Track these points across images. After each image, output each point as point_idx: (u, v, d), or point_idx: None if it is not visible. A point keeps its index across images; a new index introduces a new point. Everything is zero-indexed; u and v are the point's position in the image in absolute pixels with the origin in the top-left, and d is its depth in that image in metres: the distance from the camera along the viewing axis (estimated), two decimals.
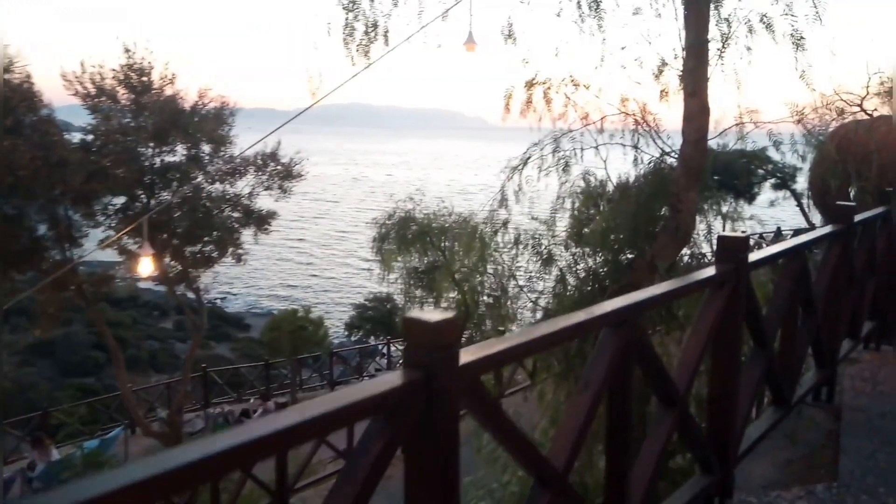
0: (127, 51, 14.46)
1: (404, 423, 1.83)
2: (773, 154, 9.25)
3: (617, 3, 6.14)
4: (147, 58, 14.65)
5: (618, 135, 6.41)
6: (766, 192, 24.19)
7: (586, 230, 6.58)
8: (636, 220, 6.21)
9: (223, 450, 1.42)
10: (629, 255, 6.49)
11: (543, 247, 6.77)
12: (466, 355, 1.98)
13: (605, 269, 6.55)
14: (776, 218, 29.08)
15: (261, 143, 14.65)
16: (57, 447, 15.46)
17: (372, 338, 29.70)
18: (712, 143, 6.22)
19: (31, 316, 18.48)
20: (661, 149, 6.32)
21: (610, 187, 6.64)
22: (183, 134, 14.55)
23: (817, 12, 5.31)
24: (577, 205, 6.70)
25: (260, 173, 15.67)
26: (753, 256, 3.60)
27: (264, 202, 16.22)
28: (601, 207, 6.67)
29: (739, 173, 17.48)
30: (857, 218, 5.12)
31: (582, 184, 6.60)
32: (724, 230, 7.34)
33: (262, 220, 15.96)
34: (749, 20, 5.73)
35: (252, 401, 19.16)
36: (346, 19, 5.85)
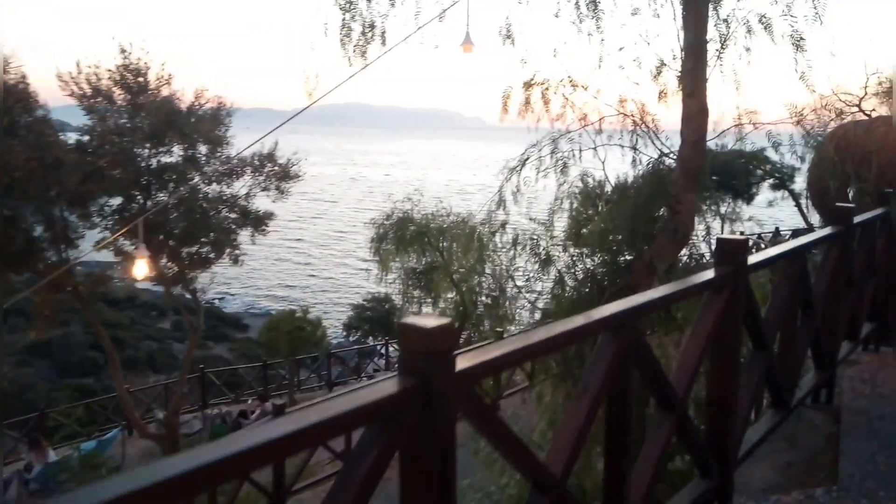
0: (123, 51, 14.41)
1: (400, 430, 1.80)
2: (771, 154, 9.23)
3: (615, 3, 6.12)
4: (143, 58, 14.62)
5: (616, 136, 6.39)
6: (765, 193, 24.19)
7: (584, 231, 6.56)
8: (635, 222, 6.18)
9: (216, 460, 1.39)
10: (627, 257, 6.46)
11: (541, 248, 6.75)
12: (463, 361, 1.96)
13: (604, 271, 6.52)
14: (774, 218, 29.13)
15: (258, 144, 14.61)
16: (54, 448, 15.42)
17: (370, 338, 29.67)
18: (711, 144, 6.20)
19: (28, 317, 18.44)
20: (660, 150, 6.30)
21: (608, 188, 6.62)
22: (179, 135, 14.48)
23: (817, 13, 5.29)
24: (575, 205, 6.67)
25: (257, 174, 15.62)
26: (752, 259, 3.58)
27: (262, 203, 16.17)
28: (599, 208, 6.64)
29: (738, 174, 17.47)
30: (857, 219, 5.10)
31: (580, 185, 6.57)
32: (722, 231, 7.32)
33: (259, 221, 15.90)
34: (748, 21, 5.72)
35: (250, 401, 19.12)
36: (343, 20, 5.83)
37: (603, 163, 6.50)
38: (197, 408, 19.44)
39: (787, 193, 22.67)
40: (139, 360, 31.18)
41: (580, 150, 6.36)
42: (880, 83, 13.37)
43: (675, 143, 6.03)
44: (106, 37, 14.94)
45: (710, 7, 5.59)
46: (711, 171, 8.40)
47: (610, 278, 6.48)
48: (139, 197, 14.67)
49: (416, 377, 1.82)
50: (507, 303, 12.95)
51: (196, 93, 15.28)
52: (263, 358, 22.71)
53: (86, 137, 14.38)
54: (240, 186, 15.56)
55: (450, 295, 16.71)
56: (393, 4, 5.85)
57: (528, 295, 7.82)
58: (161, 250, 14.91)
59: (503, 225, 6.98)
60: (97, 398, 21.01)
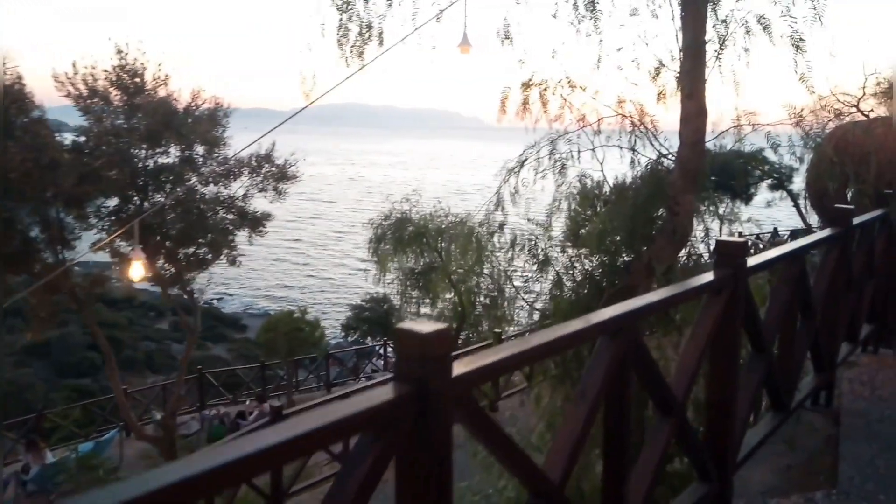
0: (119, 52, 14.36)
1: (396, 436, 1.78)
2: (769, 155, 9.23)
3: (613, 3, 6.10)
4: (140, 59, 14.55)
5: (614, 136, 6.37)
6: (763, 193, 24.20)
7: (583, 231, 6.54)
8: (633, 222, 6.16)
9: (209, 469, 1.37)
10: (626, 258, 6.44)
11: (540, 249, 6.73)
12: (459, 367, 1.94)
13: (602, 272, 6.50)
14: (772, 218, 29.15)
15: (256, 145, 14.57)
16: (52, 450, 15.37)
17: (369, 338, 29.65)
18: (709, 145, 6.18)
19: (26, 317, 18.39)
20: (659, 151, 6.28)
21: (607, 189, 6.60)
22: (176, 135, 14.42)
23: (816, 13, 5.27)
24: (573, 206, 6.65)
25: (254, 175, 15.57)
26: (752, 261, 3.56)
27: (259, 204, 16.13)
28: (598, 209, 6.63)
29: (736, 174, 17.48)
30: (856, 221, 5.08)
31: (578, 186, 6.55)
32: (720, 231, 7.30)
33: (256, 222, 15.84)
34: (746, 21, 5.69)
35: (248, 402, 19.07)
36: (341, 20, 5.81)
37: (601, 164, 6.48)
38: (195, 409, 19.40)
39: (785, 194, 22.68)
40: (137, 361, 31.16)
41: (578, 151, 6.34)
42: (878, 83, 13.36)
43: (674, 143, 6.01)
44: (105, 37, 14.87)
45: (709, 8, 5.57)
46: (710, 171, 8.39)
47: (608, 279, 6.46)
48: (136, 198, 14.61)
49: (412, 383, 1.79)
50: (506, 303, 12.94)
51: (193, 93, 15.24)
52: (261, 359, 22.68)
53: (82, 138, 14.32)
54: (237, 187, 15.51)
55: (448, 295, 16.71)
56: (390, 5, 5.83)
57: (526, 296, 7.81)
58: (158, 251, 14.85)
59: (501, 226, 6.96)
60: (95, 399, 20.99)
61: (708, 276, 3.27)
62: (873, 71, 13.05)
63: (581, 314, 6.03)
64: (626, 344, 2.61)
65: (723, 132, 6.39)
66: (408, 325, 1.83)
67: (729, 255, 3.36)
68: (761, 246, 23.25)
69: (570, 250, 6.72)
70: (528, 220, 6.91)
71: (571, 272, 6.68)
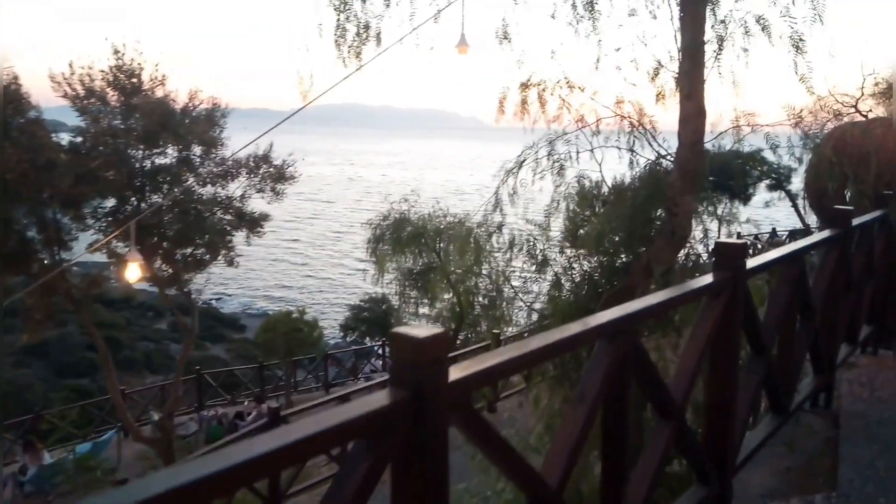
0: (116, 52, 14.29)
1: (392, 442, 1.76)
2: (768, 155, 9.22)
3: (612, 4, 6.08)
4: (137, 59, 14.49)
5: (613, 137, 6.35)
6: (761, 193, 24.20)
7: (581, 232, 6.52)
8: (632, 223, 6.14)
9: (197, 479, 1.34)
10: (623, 258, 6.42)
11: (538, 250, 6.70)
12: (456, 371, 1.92)
13: (601, 273, 6.48)
14: (771, 218, 29.16)
15: (253, 145, 14.52)
16: (49, 450, 15.35)
17: (367, 339, 29.63)
18: (708, 146, 6.15)
19: (24, 318, 18.34)
20: (657, 152, 6.25)
21: (605, 189, 6.58)
22: (173, 136, 14.35)
23: (816, 13, 5.24)
24: (571, 206, 6.63)
25: (252, 175, 15.51)
26: (751, 263, 3.54)
27: (257, 204, 16.08)
28: (596, 209, 6.60)
29: (735, 174, 17.47)
30: (855, 222, 5.06)
31: (577, 186, 6.53)
32: (719, 232, 7.28)
33: (254, 223, 15.78)
34: (745, 22, 5.67)
35: (246, 403, 19.04)
36: (338, 20, 5.78)
37: (600, 164, 6.46)
38: (193, 409, 19.36)
39: (783, 194, 22.69)
40: (136, 361, 31.14)
41: (577, 152, 6.31)
42: (876, 84, 13.37)
43: (673, 144, 5.99)
44: (105, 37, 14.79)
45: (708, 8, 5.55)
46: (708, 171, 8.36)
47: (607, 280, 6.44)
48: (133, 199, 14.55)
49: (408, 388, 1.77)
50: (504, 304, 12.91)
51: (190, 94, 15.17)
52: (260, 359, 22.65)
53: (79, 139, 14.25)
54: (235, 188, 15.45)
55: (446, 296, 16.69)
56: (388, 5, 5.80)
57: (524, 297, 7.78)
58: (155, 252, 14.80)
59: (500, 227, 6.93)
60: (93, 399, 20.95)
61: (707, 279, 3.25)
62: (871, 71, 13.06)
63: (580, 315, 6.01)
64: (625, 347, 2.59)
65: (721, 133, 6.37)
66: (403, 329, 1.81)
67: (728, 256, 3.34)
68: (759, 246, 23.24)
69: (568, 251, 6.70)
70: (527, 221, 6.88)
71: (570, 273, 6.65)
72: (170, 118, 14.40)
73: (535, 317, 7.45)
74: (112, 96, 14.29)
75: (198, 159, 15.13)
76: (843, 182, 10.02)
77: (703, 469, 3.36)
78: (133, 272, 11.24)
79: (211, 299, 45.06)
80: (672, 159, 6.05)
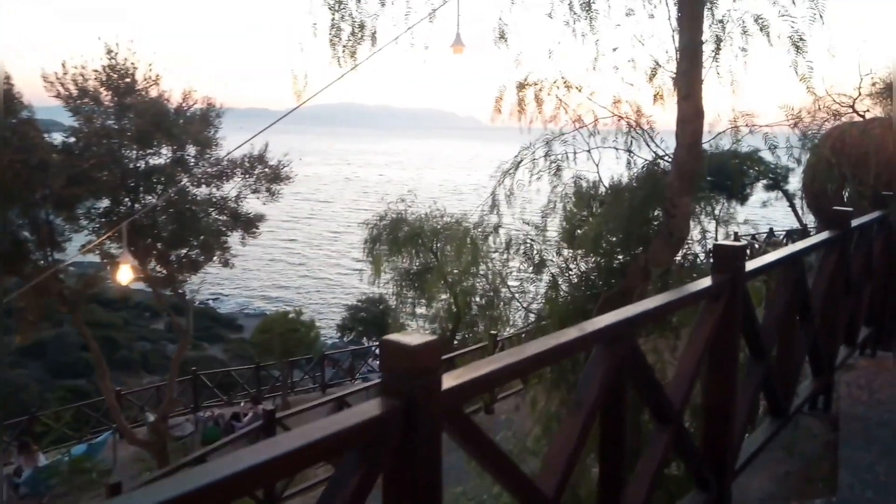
0: (109, 52, 14.19)
1: (384, 453, 1.71)
2: (765, 155, 9.18)
3: (609, 4, 6.04)
4: (131, 58, 14.38)
5: (611, 137, 6.30)
6: (759, 193, 24.19)
7: (579, 232, 6.47)
8: (629, 224, 6.10)
9: (181, 494, 1.30)
10: (621, 259, 6.38)
11: (535, 251, 6.66)
12: (449, 379, 1.87)
13: (598, 274, 6.44)
14: (768, 218, 29.16)
15: (248, 146, 14.44)
16: (45, 452, 15.29)
17: (365, 339, 29.57)
18: (706, 146, 6.11)
19: (17, 318, 18.26)
20: (655, 152, 6.21)
21: (602, 190, 6.53)
22: (167, 136, 14.26)
23: (816, 12, 5.20)
24: (569, 207, 6.59)
25: (247, 176, 15.43)
26: (750, 265, 3.50)
27: (253, 204, 16.00)
28: (594, 210, 6.56)
29: (732, 174, 17.45)
30: (854, 223, 5.03)
31: (573, 187, 6.48)
32: (716, 232, 7.24)
33: (249, 224, 15.69)
34: (743, 22, 5.63)
35: (243, 404, 18.98)
36: (333, 20, 5.74)
37: (597, 165, 6.41)
38: (189, 410, 19.30)
39: (780, 194, 22.69)
40: (133, 361, 31.08)
41: (574, 153, 6.26)
42: (874, 84, 13.35)
43: (671, 144, 5.95)
44: (106, 37, 14.68)
45: (706, 8, 5.50)
46: (706, 171, 8.33)
47: (604, 281, 6.40)
48: (126, 199, 14.45)
49: (400, 398, 1.73)
50: (501, 305, 12.87)
51: (184, 93, 15.07)
52: (256, 360, 22.59)
53: (72, 139, 14.16)
54: (230, 188, 15.36)
55: (443, 296, 16.64)
56: (383, 4, 5.75)
57: (521, 297, 7.73)
58: (149, 253, 14.72)
59: (496, 228, 6.88)
60: (90, 400, 20.86)
61: (706, 282, 3.20)
62: (869, 71, 13.04)
63: (577, 316, 5.98)
64: (623, 352, 2.55)
65: (720, 133, 6.33)
66: (395, 337, 1.77)
67: (727, 259, 3.30)
68: (757, 246, 23.25)
69: (565, 252, 6.66)
70: (524, 222, 6.84)
71: (567, 274, 6.61)
72: (164, 118, 14.30)
73: (532, 318, 7.40)
74: (105, 96, 14.19)
75: (192, 160, 15.03)
76: (842, 182, 9.99)
77: (701, 474, 3.32)
78: (125, 274, 11.16)
79: (208, 299, 45.01)
80: (670, 160, 6.01)
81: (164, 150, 14.71)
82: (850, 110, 13.09)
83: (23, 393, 23.45)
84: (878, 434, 4.47)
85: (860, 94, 13.16)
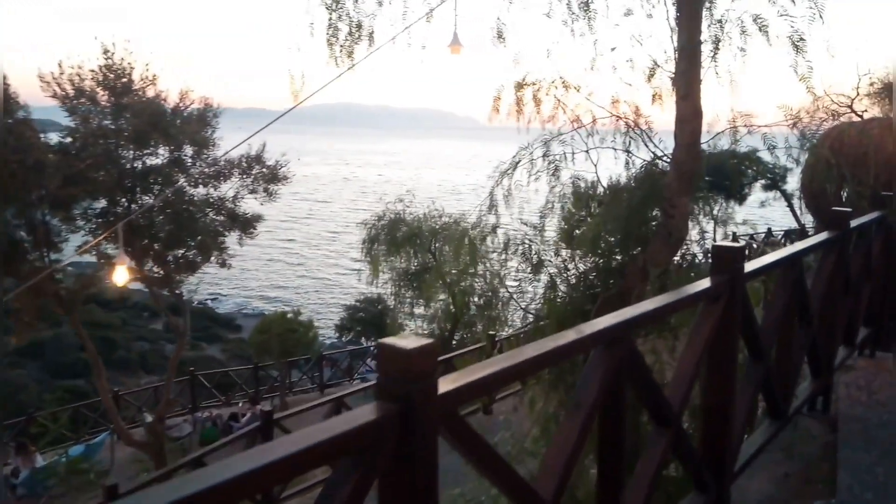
0: (106, 51, 14.13)
1: (379, 458, 1.69)
2: (763, 155, 9.16)
3: (607, 4, 6.02)
4: (128, 58, 14.31)
5: (609, 138, 6.28)
6: (757, 193, 24.17)
7: (577, 232, 6.45)
8: (628, 224, 6.08)
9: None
10: (619, 259, 6.36)
11: (533, 252, 6.64)
12: (446, 384, 1.85)
13: (596, 274, 6.42)
14: (766, 218, 29.17)
15: (246, 146, 14.39)
16: (42, 452, 15.26)
17: (363, 339, 29.54)
18: (704, 146, 6.10)
19: (14, 319, 18.21)
20: (653, 152, 6.19)
21: (601, 190, 6.52)
22: (164, 136, 14.19)
23: (815, 12, 5.18)
24: (567, 207, 6.57)
25: (245, 176, 15.37)
26: (749, 266, 3.48)
27: (251, 205, 15.94)
28: (592, 209, 6.54)
29: (730, 174, 17.42)
30: (853, 223, 5.01)
31: (572, 187, 6.46)
32: (715, 233, 7.22)
33: (247, 224, 15.63)
34: (742, 21, 5.61)
35: (241, 404, 18.95)
36: (330, 19, 5.71)
37: (595, 165, 6.40)
38: (187, 410, 19.27)
39: (778, 194, 22.68)
40: (131, 361, 31.06)
41: (572, 153, 6.24)
42: (872, 84, 13.35)
43: (669, 145, 5.93)
44: (104, 37, 14.60)
45: (704, 8, 5.49)
46: (704, 171, 8.31)
47: (603, 282, 6.38)
48: (123, 200, 14.39)
49: (396, 402, 1.71)
50: (500, 305, 12.86)
51: (181, 93, 15.00)
52: (255, 360, 22.56)
53: (68, 139, 14.08)
54: (227, 189, 15.30)
55: (442, 297, 16.63)
56: (380, 4, 5.73)
57: (519, 297, 7.71)
58: (146, 254, 14.66)
59: (494, 228, 6.86)
60: (88, 401, 20.83)
61: (705, 283, 3.19)
62: (867, 71, 13.04)
63: (575, 317, 5.95)
64: (622, 354, 2.53)
65: (718, 133, 6.31)
66: (391, 340, 1.75)
67: (726, 260, 3.28)
68: (755, 246, 23.25)
69: (563, 252, 6.64)
70: (523, 222, 6.82)
71: (565, 274, 6.59)
72: (161, 118, 14.23)
73: (530, 318, 7.38)
74: (102, 96, 14.10)
75: (189, 160, 14.97)
76: (840, 182, 9.98)
77: (700, 476, 3.30)
78: (121, 275, 11.11)
79: (206, 299, 44.98)
80: (668, 160, 5.99)
81: (160, 151, 14.64)
82: (849, 110, 13.09)
83: (21, 393, 23.42)
84: (878, 435, 4.45)
85: (858, 94, 13.16)
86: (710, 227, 7.07)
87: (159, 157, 14.74)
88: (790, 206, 19.99)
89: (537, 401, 6.23)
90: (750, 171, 21.01)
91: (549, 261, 6.59)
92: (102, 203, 14.42)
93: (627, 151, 6.22)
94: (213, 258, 15.39)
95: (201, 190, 15.08)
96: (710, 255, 3.95)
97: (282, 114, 7.29)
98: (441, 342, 16.54)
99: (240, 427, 14.99)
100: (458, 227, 14.70)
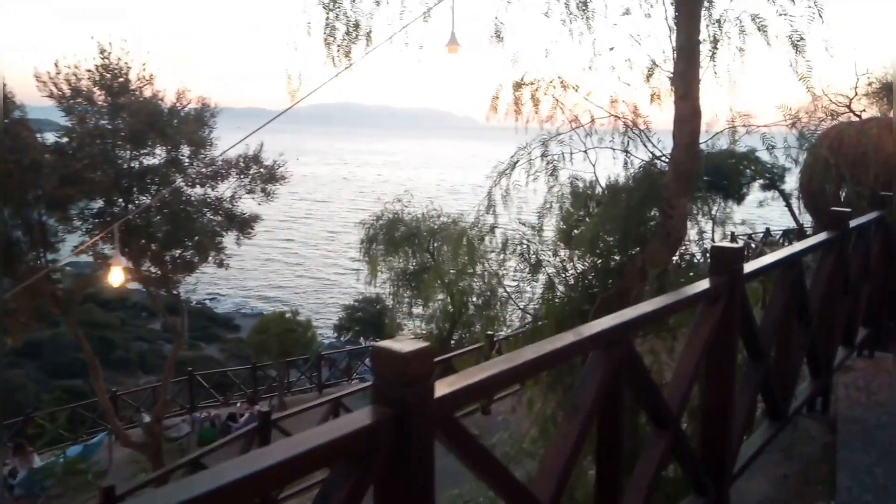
0: (102, 51, 14.09)
1: (374, 464, 1.67)
2: (761, 155, 9.15)
3: (606, 3, 5.99)
4: (124, 58, 14.26)
5: (607, 138, 6.26)
6: (755, 193, 24.14)
7: (576, 232, 6.43)
8: (626, 225, 6.06)
9: None
10: (617, 259, 6.34)
11: (531, 252, 6.61)
12: (442, 387, 1.83)
13: (595, 274, 6.40)
14: (764, 217, 29.15)
15: (244, 145, 14.34)
16: (40, 453, 15.22)
17: (362, 339, 29.52)
18: (702, 146, 6.08)
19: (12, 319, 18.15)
20: (652, 152, 6.17)
21: (599, 190, 6.50)
22: (161, 136, 14.14)
23: (815, 12, 5.16)
24: (565, 206, 6.55)
25: (242, 176, 15.31)
26: (748, 267, 3.46)
27: (249, 205, 15.90)
28: (590, 210, 6.52)
29: (728, 174, 17.41)
30: (852, 223, 5.00)
31: (570, 188, 6.44)
32: (713, 233, 7.19)
33: (244, 224, 15.58)
34: (741, 21, 5.59)
35: (239, 404, 18.92)
36: (328, 19, 5.69)
37: (594, 165, 6.37)
38: (186, 410, 19.24)
39: (777, 193, 22.67)
40: (130, 361, 31.03)
41: (571, 153, 6.22)
42: (870, 84, 13.34)
43: (668, 145, 5.91)
44: (102, 37, 14.58)
45: (703, 7, 5.46)
46: (703, 171, 8.30)
47: (601, 282, 6.36)
48: (120, 200, 14.34)
49: (391, 406, 1.69)
50: (498, 305, 12.83)
51: (178, 93, 14.95)
52: (253, 360, 22.53)
53: (64, 139, 14.03)
54: (224, 189, 15.25)
55: (440, 297, 16.60)
56: (378, 3, 5.71)
57: (518, 298, 7.69)
58: (143, 254, 14.62)
59: (492, 229, 6.84)
60: (86, 401, 20.80)
61: (704, 284, 3.17)
62: (865, 71, 13.03)
63: (573, 317, 5.92)
64: (620, 357, 2.51)
65: (717, 133, 6.29)
66: (387, 343, 1.72)
67: (725, 261, 3.26)
68: (753, 246, 23.24)
69: (562, 252, 6.61)
70: (521, 222, 6.79)
71: (564, 275, 6.57)
72: (157, 118, 14.18)
73: (528, 318, 7.36)
74: (99, 96, 14.05)
75: (186, 160, 14.92)
76: (839, 182, 9.97)
77: (699, 478, 3.28)
78: (116, 276, 11.06)
79: (205, 299, 44.94)
80: (667, 160, 5.97)
81: (157, 151, 14.58)
82: (847, 110, 13.08)
83: (19, 393, 23.37)
84: (877, 436, 4.43)
85: (856, 93, 13.15)
86: (708, 227, 7.05)
87: (156, 157, 14.68)
88: (788, 205, 19.97)
89: (536, 401, 6.22)
90: (748, 170, 21.00)
91: (548, 261, 6.57)
92: (99, 203, 14.38)
93: (626, 151, 6.20)
94: (210, 258, 15.35)
95: (199, 190, 15.03)
96: (708, 254, 3.93)
97: (278, 114, 7.27)
98: (439, 342, 16.52)
99: (238, 427, 14.96)
100: (457, 226, 14.70)
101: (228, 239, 15.65)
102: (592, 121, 6.21)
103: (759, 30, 5.44)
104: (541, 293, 6.58)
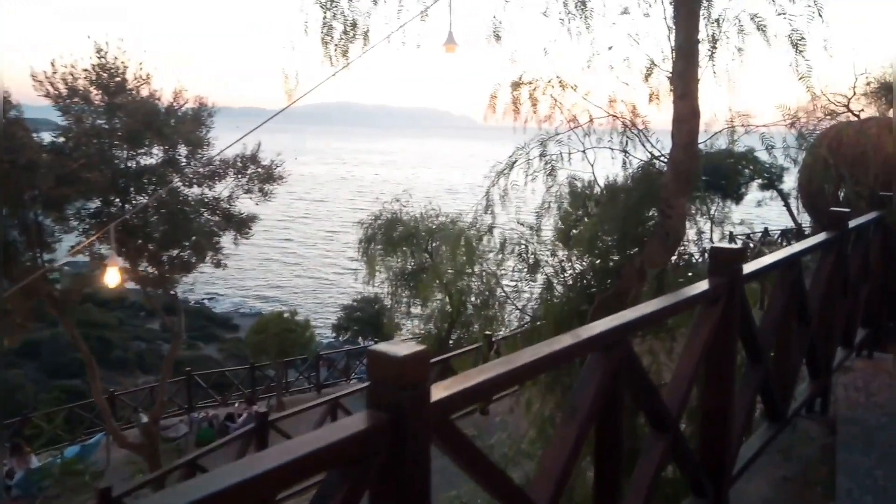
0: (99, 50, 14.05)
1: (369, 469, 1.65)
2: (760, 155, 9.14)
3: (604, 2, 5.97)
4: (121, 58, 14.21)
5: (606, 137, 6.24)
6: (753, 192, 24.14)
7: (574, 232, 6.41)
8: (625, 225, 6.04)
9: None
10: (616, 259, 6.32)
11: (530, 252, 6.59)
12: (439, 390, 1.81)
13: (593, 275, 6.38)
14: (763, 217, 29.16)
15: (241, 145, 14.29)
16: (38, 454, 15.19)
17: (360, 339, 29.49)
18: (701, 146, 6.06)
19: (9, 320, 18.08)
20: (651, 152, 6.15)
21: (597, 190, 6.48)
22: (158, 136, 14.09)
23: (815, 11, 5.14)
24: (564, 206, 6.53)
25: (239, 176, 15.27)
26: (748, 268, 3.44)
27: (247, 204, 15.86)
28: (589, 210, 6.50)
29: (727, 174, 17.41)
30: (851, 224, 4.98)
31: (568, 188, 6.42)
32: (711, 233, 7.18)
33: (242, 224, 15.53)
34: (740, 20, 5.57)
35: (237, 405, 18.90)
36: (325, 18, 5.67)
37: (592, 165, 6.35)
38: (184, 411, 19.20)
39: (775, 193, 22.68)
40: (128, 361, 30.97)
41: (569, 153, 6.20)
42: (868, 83, 13.34)
43: (666, 144, 5.89)
44: (101, 36, 14.53)
45: (702, 7, 5.45)
46: (701, 171, 8.28)
47: (599, 282, 6.34)
48: (117, 200, 14.28)
49: (387, 410, 1.67)
50: (497, 305, 12.80)
51: (175, 93, 14.90)
52: (251, 360, 22.51)
53: (61, 139, 13.98)
54: (222, 189, 15.21)
55: (438, 297, 16.58)
56: (375, 3, 5.69)
57: (516, 298, 7.67)
58: (140, 254, 14.57)
59: (491, 228, 6.82)
60: (84, 401, 20.76)
61: (703, 285, 3.15)
62: (864, 70, 13.04)
63: (572, 317, 5.90)
64: (619, 358, 2.49)
65: (716, 133, 6.27)
66: (382, 347, 1.70)
67: (724, 262, 3.24)
68: (752, 245, 23.24)
69: (560, 253, 6.59)
70: (520, 223, 6.77)
71: (562, 275, 6.55)
72: (154, 118, 14.12)
73: (527, 318, 7.34)
74: (95, 95, 14.00)
75: (184, 160, 14.87)
76: (838, 182, 9.96)
77: (698, 480, 3.26)
78: (112, 276, 11.02)
79: (203, 299, 44.90)
80: (665, 160, 5.95)
81: (154, 150, 14.52)
82: (845, 110, 13.08)
83: (18, 393, 23.32)
84: (877, 437, 4.42)
85: (855, 93, 13.15)
86: (707, 227, 7.03)
87: (153, 156, 14.61)
88: (787, 205, 19.97)
89: (534, 402, 6.20)
90: (747, 170, 21.00)
91: (546, 261, 6.55)
92: (96, 203, 14.32)
93: (624, 151, 6.18)
94: (207, 258, 15.30)
95: (196, 190, 14.99)
96: (707, 254, 3.91)
97: (276, 113, 7.24)
98: (438, 342, 16.50)
99: (236, 427, 14.93)
100: (455, 226, 14.68)
101: (226, 239, 15.60)
102: (591, 120, 6.19)
103: (758, 29, 5.42)
104: (539, 293, 6.56)
